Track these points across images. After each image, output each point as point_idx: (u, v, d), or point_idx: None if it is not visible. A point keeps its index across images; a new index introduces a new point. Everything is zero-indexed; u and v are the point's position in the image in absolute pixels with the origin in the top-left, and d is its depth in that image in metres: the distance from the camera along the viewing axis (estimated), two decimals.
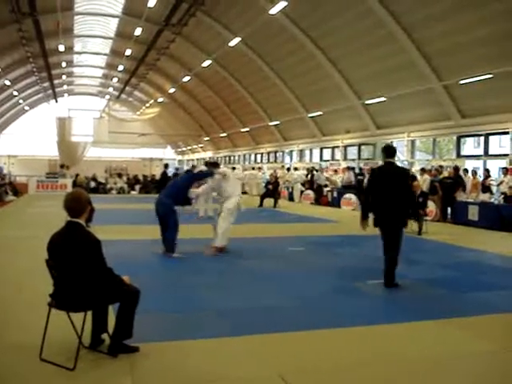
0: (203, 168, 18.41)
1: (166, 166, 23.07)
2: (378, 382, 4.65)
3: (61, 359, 4.76)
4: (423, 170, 20.34)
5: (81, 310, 4.81)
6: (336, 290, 8.09)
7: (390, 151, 8.59)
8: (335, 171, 29.22)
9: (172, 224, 10.81)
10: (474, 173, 20.50)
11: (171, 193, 11.15)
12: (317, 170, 30.84)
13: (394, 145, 28.47)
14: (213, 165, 12.61)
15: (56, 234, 4.96)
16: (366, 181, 22.97)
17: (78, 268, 4.72)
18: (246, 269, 10.02)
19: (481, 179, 20.41)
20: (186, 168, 23.84)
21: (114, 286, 4.94)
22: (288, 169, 34.10)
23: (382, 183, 8.32)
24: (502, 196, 18.71)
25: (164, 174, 21.60)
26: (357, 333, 5.96)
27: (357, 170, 28.83)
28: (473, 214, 17.81)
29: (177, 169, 23.15)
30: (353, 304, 7.28)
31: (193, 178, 12.25)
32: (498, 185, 20.18)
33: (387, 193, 8.22)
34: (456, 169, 19.78)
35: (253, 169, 38.54)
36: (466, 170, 20.74)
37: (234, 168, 32.27)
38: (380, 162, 26.49)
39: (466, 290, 8.24)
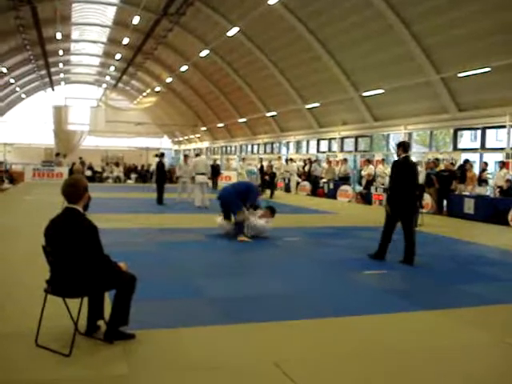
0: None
1: (162, 155, 21.93)
2: (373, 371, 4.66)
3: (57, 345, 4.76)
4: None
5: (77, 296, 4.81)
6: (331, 280, 8.10)
7: (407, 146, 9.91)
8: (330, 162, 29.13)
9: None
10: (470, 166, 20.50)
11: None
12: (314, 161, 30.88)
13: (391, 137, 28.59)
14: None
15: (53, 220, 4.94)
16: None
17: (75, 254, 4.72)
18: (241, 258, 10.09)
19: (477, 172, 20.44)
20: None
21: (110, 273, 4.94)
22: (286, 160, 34.02)
23: (403, 175, 9.45)
24: (498, 189, 18.75)
25: (160, 163, 20.75)
26: (352, 322, 5.98)
27: (351, 163, 28.96)
28: (469, 207, 17.87)
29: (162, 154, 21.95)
30: (348, 294, 7.30)
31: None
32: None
33: (406, 183, 9.38)
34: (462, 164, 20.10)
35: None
36: (467, 161, 20.66)
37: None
38: (377, 155, 26.59)
39: (461, 281, 8.27)
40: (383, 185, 22.85)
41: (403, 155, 9.61)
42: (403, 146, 9.74)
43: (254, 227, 11.97)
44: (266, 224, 12.17)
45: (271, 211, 12.63)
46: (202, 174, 19.06)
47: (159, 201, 19.83)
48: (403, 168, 9.49)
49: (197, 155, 21.16)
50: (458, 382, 4.54)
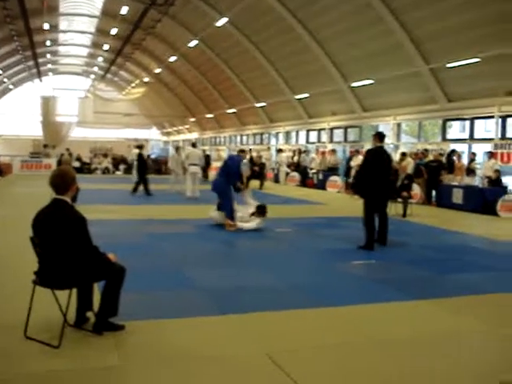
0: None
1: (141, 146, 21.15)
2: (364, 361, 4.68)
3: (46, 337, 4.74)
4: (404, 155, 19.82)
5: (66, 288, 4.79)
6: (321, 271, 8.12)
7: (383, 137, 10.28)
8: (323, 153, 29.14)
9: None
10: (459, 156, 20.57)
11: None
12: (303, 152, 30.90)
13: (380, 128, 28.58)
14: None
15: (41, 211, 4.91)
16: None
17: (63, 245, 4.69)
18: (232, 249, 10.09)
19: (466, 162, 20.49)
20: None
21: (99, 264, 4.91)
22: (277, 150, 33.84)
23: (377, 163, 9.79)
24: (487, 180, 18.82)
25: (140, 155, 20.27)
26: (343, 312, 6.00)
27: (341, 153, 28.94)
28: (457, 197, 17.94)
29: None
30: (338, 284, 7.31)
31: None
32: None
33: (380, 171, 9.75)
34: (449, 154, 20.14)
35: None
36: (454, 151, 20.68)
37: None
38: (366, 145, 26.60)
39: (449, 271, 8.31)
40: None
41: (378, 144, 10.07)
42: (379, 136, 10.21)
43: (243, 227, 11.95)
44: (258, 225, 12.05)
45: (261, 211, 12.16)
46: (195, 164, 19.05)
47: (145, 191, 19.61)
48: (378, 156, 9.90)
49: (193, 145, 21.08)
50: (452, 372, 4.56)
